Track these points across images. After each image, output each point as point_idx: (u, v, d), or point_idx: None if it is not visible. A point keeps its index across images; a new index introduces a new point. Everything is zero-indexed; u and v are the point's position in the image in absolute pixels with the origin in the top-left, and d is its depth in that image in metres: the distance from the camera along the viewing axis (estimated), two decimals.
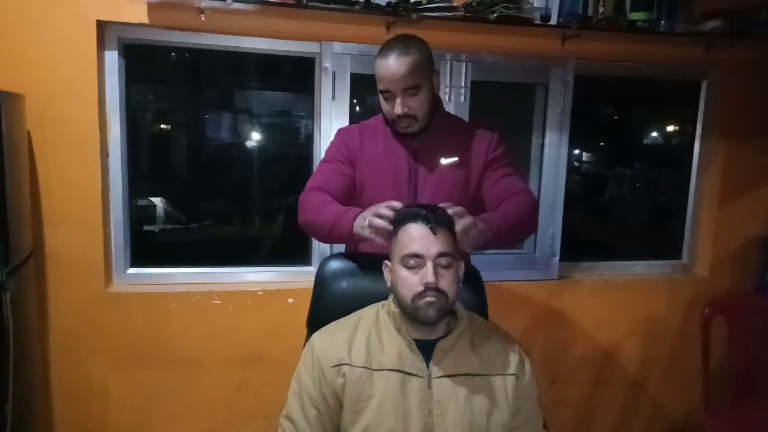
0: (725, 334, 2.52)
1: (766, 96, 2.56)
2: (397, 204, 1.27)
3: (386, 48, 1.52)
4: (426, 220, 1.18)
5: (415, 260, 1.17)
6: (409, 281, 1.17)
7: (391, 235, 1.24)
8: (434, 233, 1.17)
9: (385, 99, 1.56)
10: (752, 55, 2.45)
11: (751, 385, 2.50)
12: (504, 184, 1.58)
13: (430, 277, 1.15)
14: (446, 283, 1.17)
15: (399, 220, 1.22)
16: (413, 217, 1.19)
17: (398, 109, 1.52)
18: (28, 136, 1.89)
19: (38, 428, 1.95)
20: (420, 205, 1.28)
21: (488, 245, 1.36)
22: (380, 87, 1.55)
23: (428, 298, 1.16)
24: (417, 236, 1.17)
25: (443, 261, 1.17)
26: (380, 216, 1.26)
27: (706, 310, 2.44)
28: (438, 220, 1.18)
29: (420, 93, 1.52)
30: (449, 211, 1.23)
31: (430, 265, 1.16)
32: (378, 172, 1.60)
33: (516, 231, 1.48)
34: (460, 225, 1.22)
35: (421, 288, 1.16)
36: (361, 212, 1.35)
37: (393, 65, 1.49)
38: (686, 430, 2.68)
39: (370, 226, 1.27)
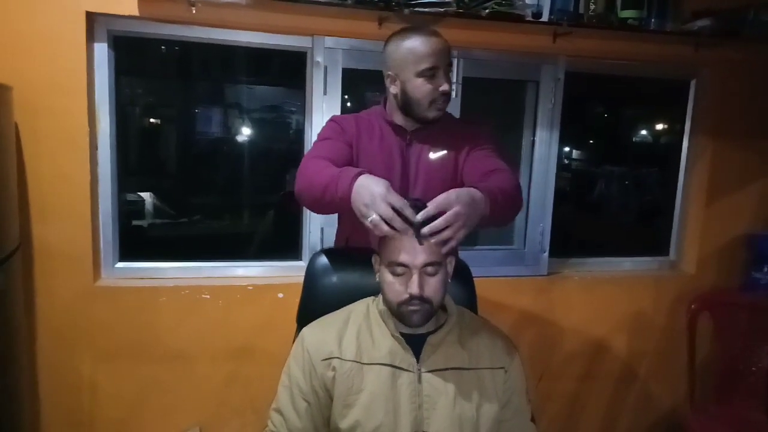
0: (711, 330, 2.55)
1: (753, 95, 2.59)
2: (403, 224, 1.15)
3: (414, 30, 1.48)
4: (414, 229, 1.14)
5: (401, 269, 1.17)
6: (395, 288, 1.18)
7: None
8: (421, 243, 1.15)
9: (429, 78, 1.47)
10: (741, 54, 2.47)
11: (736, 380, 2.53)
12: (487, 161, 1.53)
13: (414, 290, 1.15)
14: (431, 290, 1.17)
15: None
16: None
17: (446, 86, 1.48)
18: (16, 129, 1.87)
19: (25, 423, 1.94)
20: (410, 202, 1.18)
21: (483, 221, 1.23)
22: (424, 66, 1.46)
23: (412, 307, 1.17)
24: (403, 246, 1.16)
25: (429, 269, 1.17)
26: (398, 213, 1.14)
27: (692, 306, 2.48)
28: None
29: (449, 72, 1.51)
30: (430, 208, 1.14)
31: (415, 275, 1.15)
32: (372, 167, 1.58)
33: (506, 205, 1.36)
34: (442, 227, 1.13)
35: (407, 296, 1.16)
36: (360, 174, 1.23)
37: (437, 41, 1.46)
38: (672, 425, 2.71)
39: (383, 217, 1.15)
